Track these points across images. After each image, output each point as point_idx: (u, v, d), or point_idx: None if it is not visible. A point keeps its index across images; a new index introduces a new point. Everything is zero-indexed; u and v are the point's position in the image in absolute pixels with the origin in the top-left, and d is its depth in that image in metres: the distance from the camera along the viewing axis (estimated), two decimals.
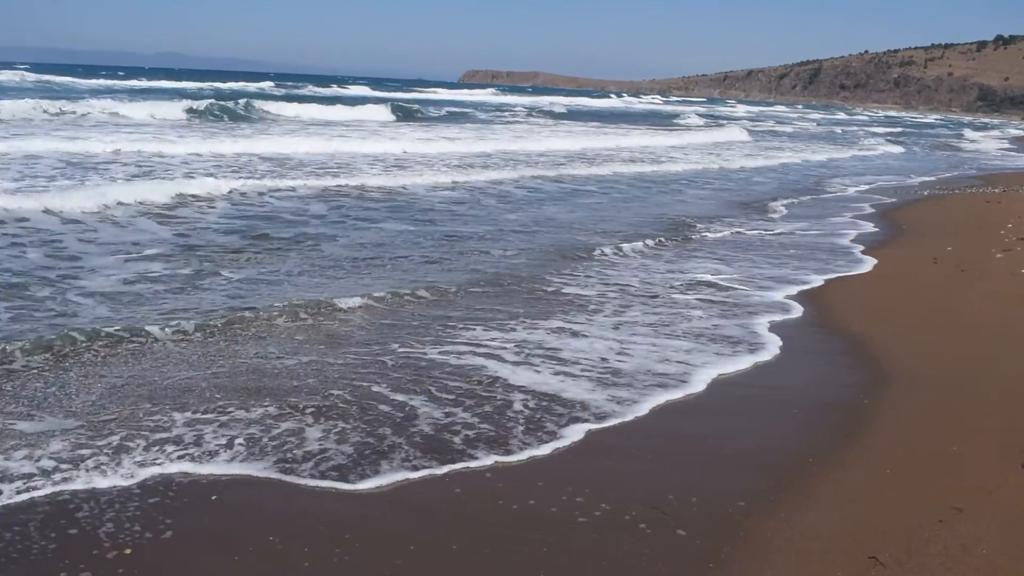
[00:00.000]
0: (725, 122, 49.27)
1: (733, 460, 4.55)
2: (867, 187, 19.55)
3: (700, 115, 58.09)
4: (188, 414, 4.74)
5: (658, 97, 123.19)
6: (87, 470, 4.06)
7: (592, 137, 30.66)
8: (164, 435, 4.47)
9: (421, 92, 75.98)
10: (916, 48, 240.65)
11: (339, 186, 14.62)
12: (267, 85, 63.81)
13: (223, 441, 4.45)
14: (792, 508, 3.95)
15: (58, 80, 52.78)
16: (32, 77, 54.34)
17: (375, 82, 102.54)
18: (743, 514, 3.88)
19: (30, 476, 3.98)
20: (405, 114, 38.26)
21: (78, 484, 3.94)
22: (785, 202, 15.86)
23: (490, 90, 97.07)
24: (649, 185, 17.71)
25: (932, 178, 23.03)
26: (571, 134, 31.87)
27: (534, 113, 49.75)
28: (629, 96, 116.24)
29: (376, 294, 7.34)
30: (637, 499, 4.03)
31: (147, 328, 6.09)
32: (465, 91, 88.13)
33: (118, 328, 6.04)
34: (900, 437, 4.79)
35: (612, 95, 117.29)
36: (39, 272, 7.73)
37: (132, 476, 4.04)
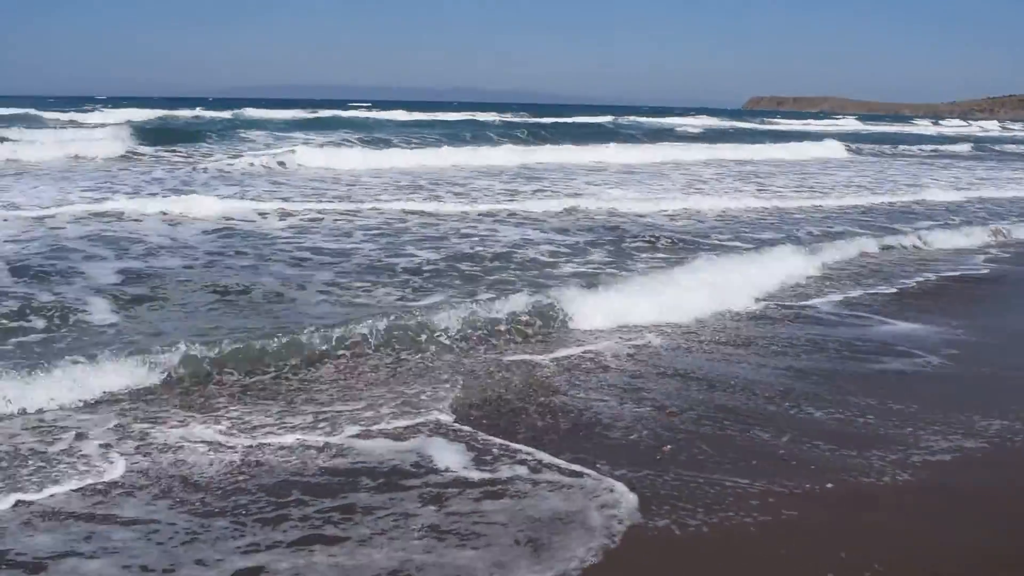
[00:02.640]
0: None
1: None
2: None
3: None
4: None
5: (994, 123, 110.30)
6: None
7: None
8: None
9: (773, 122, 70.77)
10: None
11: None
12: (606, 119, 60.15)
13: None
14: None
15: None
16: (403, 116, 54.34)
17: (687, 111, 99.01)
18: None
19: None
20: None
21: None
22: None
23: (850, 119, 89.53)
24: None
25: None
26: None
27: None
28: (945, 121, 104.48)
29: None
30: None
31: None
32: (821, 121, 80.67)
33: None
34: None
35: (913, 120, 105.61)
36: None
37: None
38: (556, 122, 50.31)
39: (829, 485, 4.37)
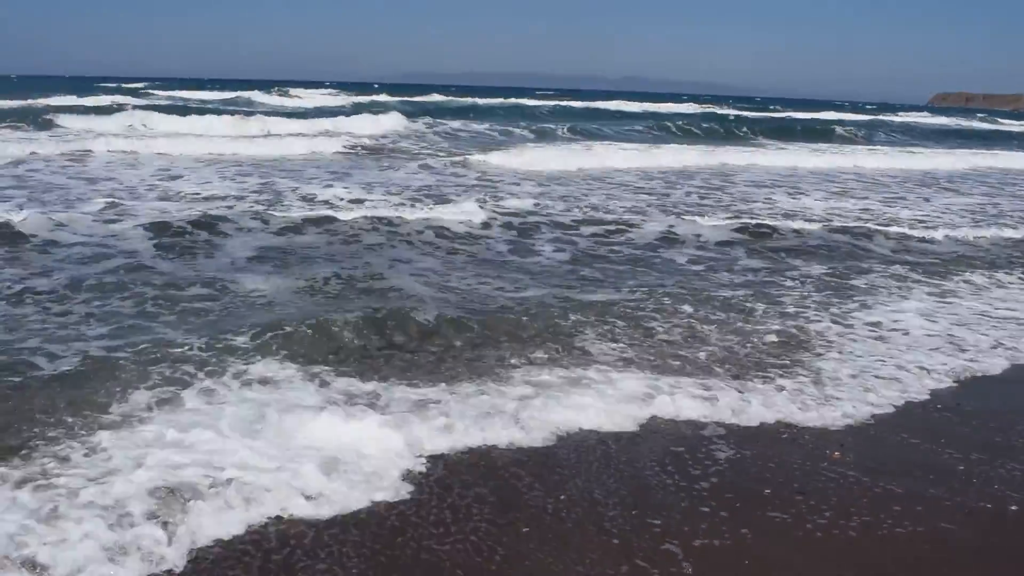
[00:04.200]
0: None
1: None
2: None
3: None
4: None
5: None
6: None
7: None
8: None
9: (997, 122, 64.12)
10: None
11: None
12: (829, 115, 53.41)
13: None
14: None
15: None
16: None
17: (884, 108, 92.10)
18: None
19: None
20: None
21: None
22: None
23: None
24: None
25: None
26: None
27: None
28: None
29: None
30: None
31: None
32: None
33: None
34: None
35: None
36: None
37: None
38: (765, 117, 47.09)
39: (1014, 508, 4.28)
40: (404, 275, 8.54)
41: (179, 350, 5.77)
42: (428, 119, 30.69)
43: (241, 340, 5.97)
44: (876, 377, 6.12)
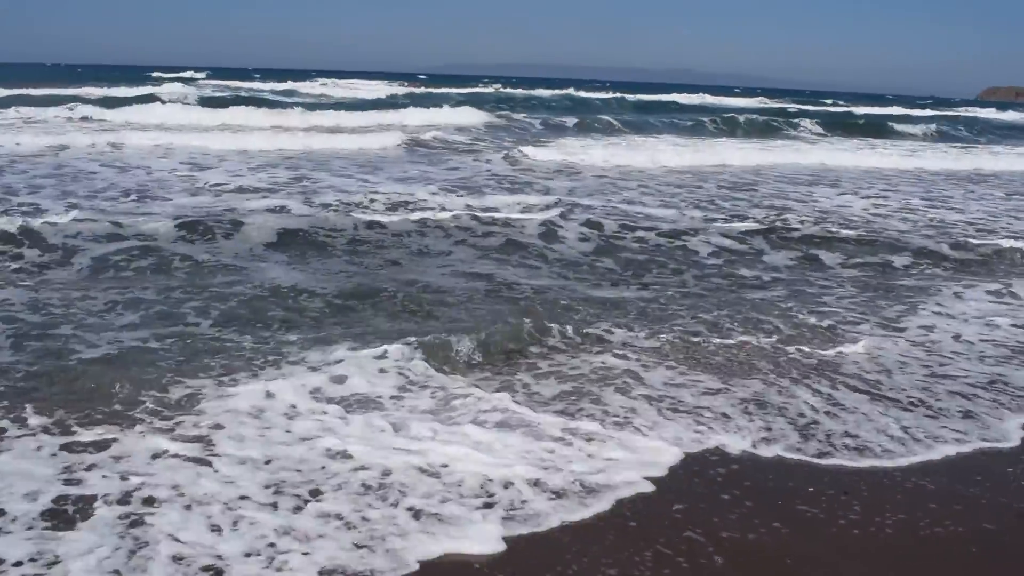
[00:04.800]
0: None
1: None
2: None
3: None
4: None
5: None
6: None
7: None
8: None
9: None
10: None
11: None
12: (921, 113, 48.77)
13: None
14: None
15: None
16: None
17: (939, 102, 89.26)
18: None
19: None
20: None
21: None
22: None
23: None
24: None
25: None
26: None
27: None
28: None
29: None
30: None
31: None
32: None
33: None
34: None
35: None
36: None
37: None
38: (823, 111, 45.21)
39: None
40: (435, 268, 8.40)
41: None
42: (474, 109, 29.75)
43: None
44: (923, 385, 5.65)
